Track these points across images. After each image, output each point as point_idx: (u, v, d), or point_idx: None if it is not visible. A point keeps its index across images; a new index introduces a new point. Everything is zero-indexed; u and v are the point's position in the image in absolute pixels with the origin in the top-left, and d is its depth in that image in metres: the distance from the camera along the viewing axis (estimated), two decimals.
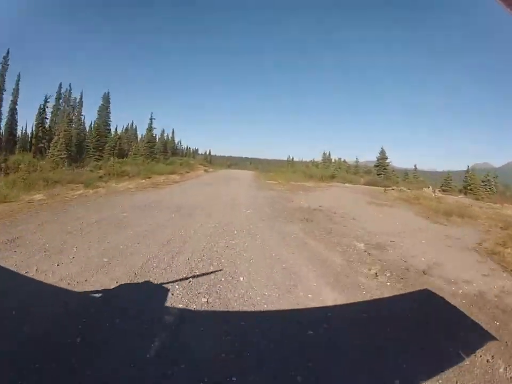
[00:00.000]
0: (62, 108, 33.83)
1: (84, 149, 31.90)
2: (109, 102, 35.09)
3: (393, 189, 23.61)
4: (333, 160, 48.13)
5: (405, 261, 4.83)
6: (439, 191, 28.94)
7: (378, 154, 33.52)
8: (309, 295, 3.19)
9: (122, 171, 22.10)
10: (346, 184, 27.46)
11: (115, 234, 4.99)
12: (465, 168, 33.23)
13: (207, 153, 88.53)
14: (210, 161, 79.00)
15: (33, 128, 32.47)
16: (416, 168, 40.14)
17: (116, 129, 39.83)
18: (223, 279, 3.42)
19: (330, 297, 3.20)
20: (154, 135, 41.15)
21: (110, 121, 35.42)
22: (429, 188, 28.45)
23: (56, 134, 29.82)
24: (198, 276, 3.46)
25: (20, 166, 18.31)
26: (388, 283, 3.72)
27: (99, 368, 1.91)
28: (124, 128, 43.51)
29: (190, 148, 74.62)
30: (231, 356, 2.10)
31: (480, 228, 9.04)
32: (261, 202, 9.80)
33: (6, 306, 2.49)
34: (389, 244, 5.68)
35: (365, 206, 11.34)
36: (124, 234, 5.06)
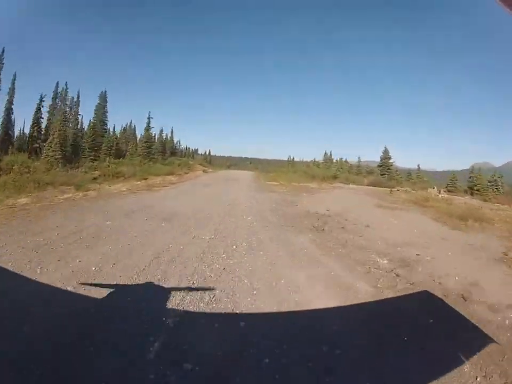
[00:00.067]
0: (58, 107, 33.10)
1: (80, 149, 31.03)
2: (106, 101, 34.27)
3: (399, 190, 22.81)
4: (334, 160, 47.37)
5: (439, 282, 4.02)
6: (445, 191, 28.16)
7: (382, 154, 32.72)
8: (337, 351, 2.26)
9: (118, 172, 21.36)
10: (350, 185, 26.66)
11: (89, 252, 4.14)
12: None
13: (207, 153, 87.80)
14: (210, 161, 78.25)
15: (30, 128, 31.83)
16: (419, 168, 39.32)
17: (114, 129, 38.97)
18: (216, 325, 2.45)
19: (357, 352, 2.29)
20: (153, 135, 40.35)
21: (107, 120, 34.59)
22: (433, 188, 27.67)
23: (51, 133, 29.08)
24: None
25: (13, 167, 17.64)
26: (431, 320, 2.88)
27: None
28: (122, 128, 42.75)
29: (189, 148, 73.85)
30: None
31: (498, 233, 8.38)
32: (262, 207, 8.94)
33: None
34: (414, 258, 4.85)
35: (375, 210, 10.51)
36: (100, 250, 4.22)
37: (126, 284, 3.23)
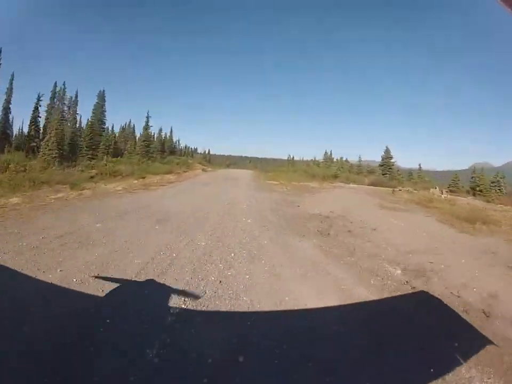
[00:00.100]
0: (56, 106, 32.71)
1: (78, 148, 30.62)
2: (104, 100, 33.86)
3: (400, 190, 22.45)
4: (334, 160, 46.98)
5: (458, 296, 3.64)
6: (447, 191, 27.80)
7: (383, 154, 32.28)
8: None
9: (115, 171, 21.02)
10: (351, 185, 26.28)
11: (72, 260, 3.73)
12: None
13: (206, 152, 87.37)
14: (210, 160, 77.88)
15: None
16: (420, 167, 38.90)
17: (113, 128, 38.59)
18: (210, 360, 1.98)
19: None
20: (152, 134, 39.93)
21: (105, 119, 34.20)
22: (435, 188, 27.29)
23: (48, 132, 28.71)
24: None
25: (9, 166, 17.30)
26: (456, 344, 2.51)
27: None
28: (121, 127, 42.31)
29: (188, 147, 73.44)
30: None
31: (507, 236, 8.04)
32: (263, 207, 8.55)
33: None
34: (428, 267, 4.47)
35: (379, 211, 10.13)
36: (85, 258, 3.83)
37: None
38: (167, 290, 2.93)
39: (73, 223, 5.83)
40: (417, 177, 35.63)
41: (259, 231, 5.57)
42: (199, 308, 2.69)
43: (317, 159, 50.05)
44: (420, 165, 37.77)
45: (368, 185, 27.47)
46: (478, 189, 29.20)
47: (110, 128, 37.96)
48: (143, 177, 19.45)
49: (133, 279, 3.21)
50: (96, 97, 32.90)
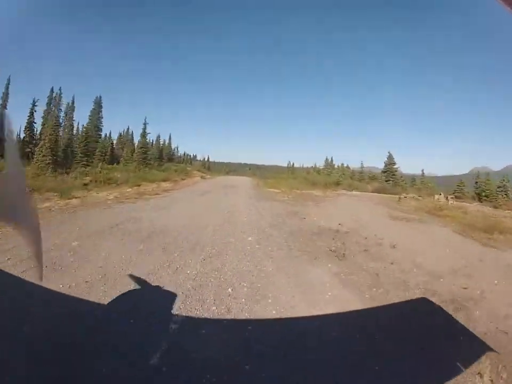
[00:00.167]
0: (52, 112, 32.09)
1: (73, 155, 29.85)
2: (100, 106, 33.28)
3: (406, 197, 21.66)
4: (335, 166, 46.30)
5: (506, 332, 2.84)
6: (452, 197, 27.01)
7: (386, 160, 31.53)
8: None
9: (110, 178, 20.30)
10: (354, 192, 25.46)
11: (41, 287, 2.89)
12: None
13: (206, 159, 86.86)
14: (209, 167, 77.37)
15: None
16: (423, 173, 38.13)
17: (110, 134, 37.93)
18: None
19: None
20: (150, 141, 39.30)
21: (102, 125, 33.53)
22: (440, 194, 26.50)
23: (42, 138, 28.02)
24: None
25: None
26: None
27: None
28: (119, 134, 41.68)
29: (187, 154, 72.93)
30: None
31: None
32: (265, 220, 7.66)
33: None
34: (464, 294, 3.68)
35: (391, 223, 9.29)
36: (58, 283, 2.99)
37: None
38: None
39: (46, 241, 4.97)
40: (420, 183, 34.86)
41: (262, 253, 4.67)
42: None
43: (317, 165, 49.45)
44: (422, 170, 37.07)
45: (371, 192, 26.66)
46: (483, 194, 28.36)
47: (107, 135, 37.35)
48: (139, 185, 18.66)
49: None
50: (93, 103, 32.23)
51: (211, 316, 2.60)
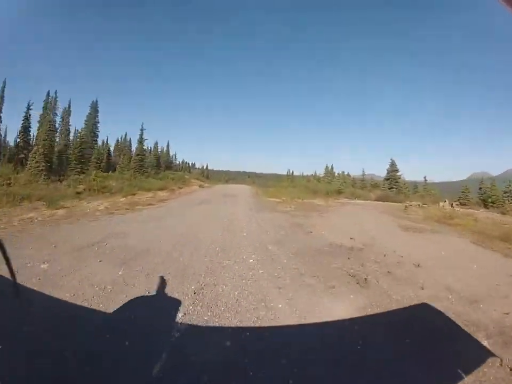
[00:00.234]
0: (48, 116, 31.40)
1: (67, 161, 29.05)
2: (97, 111, 32.64)
3: (411, 205, 20.92)
4: (336, 174, 45.70)
5: None
6: (457, 204, 26.31)
7: (388, 167, 30.85)
8: None
9: (104, 186, 19.56)
10: (357, 200, 24.72)
11: None
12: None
13: (204, 167, 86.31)
14: (208, 175, 76.74)
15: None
16: (426, 180, 37.50)
17: (107, 140, 37.29)
18: None
19: None
20: (148, 148, 38.62)
21: (98, 131, 32.84)
22: (445, 201, 25.82)
23: (36, 144, 27.27)
24: None
25: None
26: None
27: None
28: (117, 140, 41.06)
29: (186, 162, 72.37)
30: None
31: None
32: (267, 236, 6.81)
33: None
34: (508, 323, 2.93)
35: (404, 234, 8.51)
36: None
37: None
38: None
39: (15, 259, 4.13)
40: (423, 190, 34.17)
41: (266, 281, 3.81)
42: None
43: (317, 173, 48.84)
44: (425, 177, 36.41)
45: (375, 200, 25.92)
46: (490, 200, 27.61)
47: (104, 141, 36.69)
48: (134, 194, 17.89)
49: None
50: (89, 107, 31.57)
51: None
